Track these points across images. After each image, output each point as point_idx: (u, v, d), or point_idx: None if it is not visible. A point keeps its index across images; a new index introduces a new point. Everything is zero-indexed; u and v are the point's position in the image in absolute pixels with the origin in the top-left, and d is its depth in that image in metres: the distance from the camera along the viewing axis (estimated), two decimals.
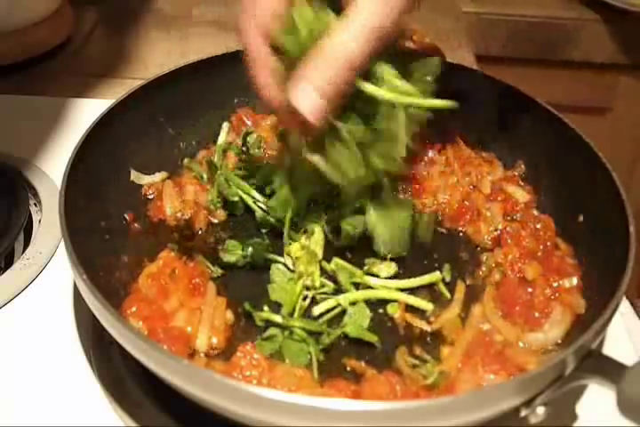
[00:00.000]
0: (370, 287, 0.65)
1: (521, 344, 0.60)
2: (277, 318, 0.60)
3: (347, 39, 0.52)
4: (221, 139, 0.81)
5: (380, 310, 0.64)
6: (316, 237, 0.68)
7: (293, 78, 0.54)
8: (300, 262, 0.66)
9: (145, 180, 0.76)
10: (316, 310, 0.63)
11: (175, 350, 0.57)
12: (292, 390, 0.53)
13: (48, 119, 0.92)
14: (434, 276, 0.66)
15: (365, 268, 0.67)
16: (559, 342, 0.60)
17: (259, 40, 0.58)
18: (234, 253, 0.68)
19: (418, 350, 0.60)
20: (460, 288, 0.66)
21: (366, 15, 0.52)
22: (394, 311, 0.63)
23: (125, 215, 0.71)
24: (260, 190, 0.73)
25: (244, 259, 0.67)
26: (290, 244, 0.68)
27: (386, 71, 0.56)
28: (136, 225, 0.72)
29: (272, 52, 0.58)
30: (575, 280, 0.64)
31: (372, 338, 0.61)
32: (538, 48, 1.35)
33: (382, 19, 0.52)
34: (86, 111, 0.93)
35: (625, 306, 0.70)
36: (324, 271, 0.66)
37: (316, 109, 0.53)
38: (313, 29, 0.55)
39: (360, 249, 0.68)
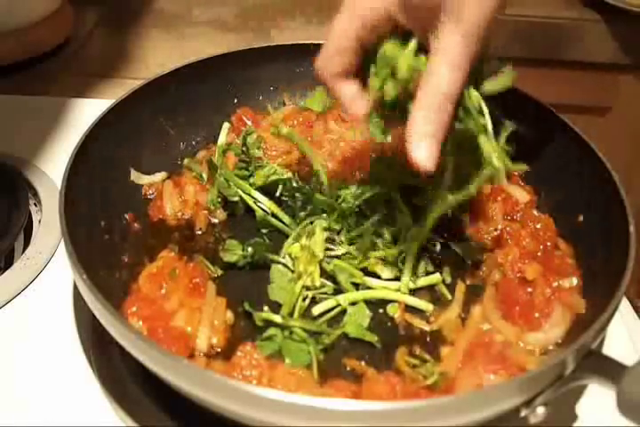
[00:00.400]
0: (369, 288, 0.65)
1: (521, 344, 0.60)
2: (277, 319, 0.60)
3: (444, 80, 0.53)
4: (221, 139, 0.81)
5: (380, 310, 0.64)
6: (316, 238, 0.67)
7: (407, 134, 0.54)
8: (299, 262, 0.66)
9: (145, 180, 0.76)
10: (316, 310, 0.63)
11: (175, 350, 0.57)
12: (291, 390, 0.53)
13: (48, 119, 0.92)
14: (434, 278, 0.66)
15: (368, 261, 0.67)
16: (559, 342, 0.60)
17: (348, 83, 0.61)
18: (234, 253, 0.68)
19: (418, 350, 0.60)
20: (460, 288, 0.66)
21: (451, 43, 0.52)
22: (394, 311, 0.64)
23: (125, 215, 0.71)
24: (261, 190, 0.73)
25: (244, 259, 0.67)
26: (290, 244, 0.68)
27: (473, 97, 0.56)
28: (136, 225, 0.72)
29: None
30: (575, 280, 0.64)
31: (372, 338, 0.61)
32: (538, 48, 1.35)
33: (468, 42, 0.52)
34: (86, 111, 0.93)
35: (625, 306, 0.70)
36: (323, 271, 0.66)
37: (432, 157, 0.54)
38: (411, 70, 0.56)
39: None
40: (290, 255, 0.67)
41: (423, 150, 0.53)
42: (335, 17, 0.59)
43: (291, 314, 0.62)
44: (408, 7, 0.55)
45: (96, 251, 0.63)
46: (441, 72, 0.52)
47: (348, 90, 0.61)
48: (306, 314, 0.63)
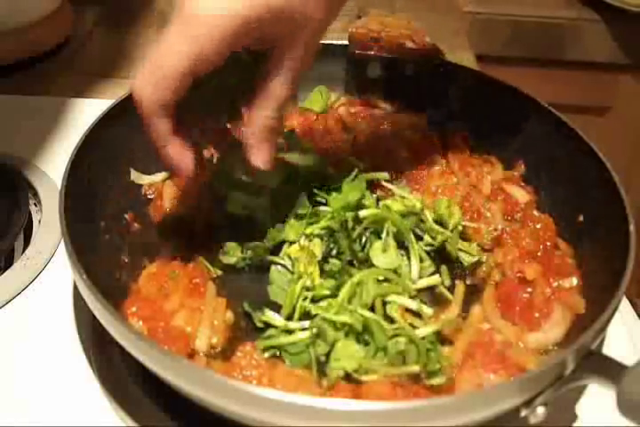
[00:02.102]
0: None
1: (521, 344, 0.60)
2: (277, 322, 0.60)
3: (276, 88, 0.59)
4: None
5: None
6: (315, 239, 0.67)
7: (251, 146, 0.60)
8: (299, 263, 0.65)
9: (145, 180, 0.76)
10: (316, 310, 0.63)
11: (175, 350, 0.57)
12: (291, 391, 0.53)
13: (48, 119, 0.92)
14: (431, 279, 0.66)
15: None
16: (559, 342, 0.60)
17: (162, 121, 0.56)
18: (233, 255, 0.68)
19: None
20: (460, 288, 0.66)
21: (286, 63, 0.58)
22: (394, 312, 0.63)
23: (125, 215, 0.71)
24: None
25: (244, 261, 0.67)
26: (289, 245, 0.68)
27: None
28: (136, 225, 0.72)
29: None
30: (575, 280, 0.64)
31: None
32: (538, 48, 1.36)
33: (300, 61, 0.59)
34: (86, 111, 0.93)
35: (625, 306, 0.70)
36: (323, 271, 0.66)
37: (267, 157, 0.61)
38: None
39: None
40: (289, 256, 0.67)
41: (261, 156, 0.61)
42: (167, 31, 0.52)
43: (291, 315, 0.62)
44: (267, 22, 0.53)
45: (96, 251, 0.63)
46: (277, 90, 0.59)
47: (165, 128, 0.56)
48: (306, 314, 0.63)
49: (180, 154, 0.57)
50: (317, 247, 0.67)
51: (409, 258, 0.67)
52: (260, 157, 0.61)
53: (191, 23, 0.51)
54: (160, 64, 0.52)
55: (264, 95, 0.59)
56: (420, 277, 0.66)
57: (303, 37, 0.57)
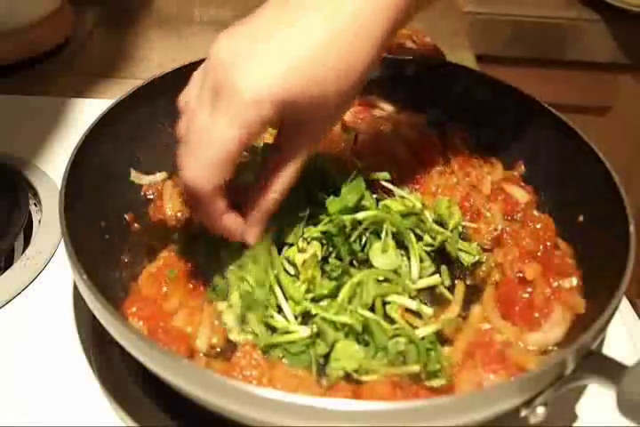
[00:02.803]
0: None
1: (521, 344, 0.60)
2: (278, 324, 0.60)
3: (283, 182, 0.60)
4: None
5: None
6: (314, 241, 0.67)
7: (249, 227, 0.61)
8: (299, 265, 0.65)
9: (145, 180, 0.76)
10: (316, 310, 0.62)
11: (175, 350, 0.57)
12: (291, 390, 0.53)
13: (48, 119, 0.92)
14: (432, 279, 0.66)
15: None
16: (559, 342, 0.60)
17: (220, 201, 0.57)
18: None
19: None
20: (460, 288, 0.66)
21: (298, 159, 0.59)
22: (394, 312, 0.63)
23: (125, 215, 0.71)
24: None
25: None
26: (289, 247, 0.68)
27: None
28: (136, 225, 0.72)
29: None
30: (575, 280, 0.64)
31: None
32: (538, 48, 1.36)
33: (297, 170, 0.60)
34: (86, 111, 0.93)
35: (625, 306, 0.70)
36: (323, 272, 0.66)
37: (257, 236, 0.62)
38: None
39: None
40: (289, 259, 0.67)
41: (252, 236, 0.62)
42: (214, 114, 0.53)
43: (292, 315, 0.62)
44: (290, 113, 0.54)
45: (96, 251, 0.63)
46: (284, 184, 0.60)
47: (223, 205, 0.58)
48: (306, 315, 0.63)
49: (238, 223, 0.60)
50: (317, 249, 0.67)
51: (409, 258, 0.67)
52: (251, 236, 0.61)
53: (240, 108, 0.52)
54: (214, 148, 0.53)
55: (275, 179, 0.59)
56: (420, 277, 0.66)
57: (322, 125, 0.59)
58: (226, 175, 0.55)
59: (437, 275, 0.67)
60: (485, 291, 0.65)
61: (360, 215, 0.67)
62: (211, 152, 0.53)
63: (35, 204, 0.79)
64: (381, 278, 0.64)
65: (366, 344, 0.58)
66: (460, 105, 0.83)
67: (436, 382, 0.56)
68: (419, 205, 0.71)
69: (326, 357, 0.58)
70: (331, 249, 0.66)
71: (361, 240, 0.67)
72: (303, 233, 0.67)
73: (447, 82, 0.84)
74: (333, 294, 0.62)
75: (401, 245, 0.68)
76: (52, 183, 0.81)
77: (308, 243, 0.67)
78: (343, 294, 0.61)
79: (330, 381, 0.56)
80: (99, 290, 0.52)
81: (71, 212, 0.60)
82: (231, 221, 0.59)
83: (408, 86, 0.85)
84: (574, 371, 0.50)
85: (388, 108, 0.87)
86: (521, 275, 0.65)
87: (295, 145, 0.59)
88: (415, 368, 0.56)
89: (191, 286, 0.64)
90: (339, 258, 0.66)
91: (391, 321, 0.61)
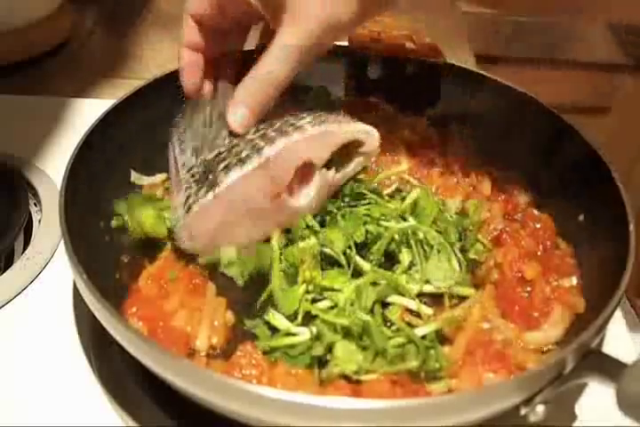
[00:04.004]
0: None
1: (521, 343, 0.60)
2: (280, 325, 0.60)
3: (269, 63, 0.60)
4: None
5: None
6: (312, 241, 0.67)
7: (231, 104, 0.63)
8: (299, 265, 0.65)
9: (145, 181, 0.76)
10: (316, 311, 0.62)
11: (175, 350, 0.57)
12: (291, 390, 0.53)
13: (48, 119, 0.92)
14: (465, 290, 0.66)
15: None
16: (559, 341, 0.60)
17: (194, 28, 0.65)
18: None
19: None
20: None
21: (284, 37, 0.59)
22: (394, 313, 0.63)
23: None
24: None
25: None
26: (289, 246, 0.68)
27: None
28: None
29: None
30: (575, 280, 0.64)
31: None
32: (538, 48, 1.36)
33: (300, 39, 0.59)
34: (86, 111, 0.93)
35: (625, 306, 0.70)
36: (324, 272, 0.66)
37: (243, 125, 0.63)
38: None
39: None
40: (288, 259, 0.67)
41: (238, 117, 0.62)
42: None
43: (292, 316, 0.62)
44: None
45: (96, 251, 0.63)
46: (271, 65, 0.60)
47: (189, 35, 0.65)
48: (306, 315, 0.63)
49: (193, 62, 0.68)
50: (318, 249, 0.66)
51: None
52: (231, 117, 0.62)
53: None
54: None
55: (267, 56, 0.60)
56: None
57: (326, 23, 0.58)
58: (205, 8, 0.63)
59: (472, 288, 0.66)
60: (485, 291, 0.65)
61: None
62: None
63: (35, 204, 0.79)
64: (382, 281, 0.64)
65: (364, 348, 0.58)
66: (460, 105, 0.83)
67: (436, 386, 0.55)
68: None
69: (325, 358, 0.59)
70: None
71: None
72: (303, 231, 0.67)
73: (447, 82, 0.84)
74: (333, 295, 0.62)
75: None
76: (52, 183, 0.81)
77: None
78: (344, 296, 0.61)
79: (329, 380, 0.56)
80: (98, 290, 0.52)
81: (71, 212, 0.60)
82: (187, 54, 0.66)
83: (408, 86, 0.85)
84: (574, 369, 0.50)
85: (387, 108, 0.87)
86: (521, 274, 0.65)
87: (280, 35, 0.59)
88: (414, 364, 0.56)
89: (191, 286, 0.64)
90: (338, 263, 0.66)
91: (391, 324, 0.61)
